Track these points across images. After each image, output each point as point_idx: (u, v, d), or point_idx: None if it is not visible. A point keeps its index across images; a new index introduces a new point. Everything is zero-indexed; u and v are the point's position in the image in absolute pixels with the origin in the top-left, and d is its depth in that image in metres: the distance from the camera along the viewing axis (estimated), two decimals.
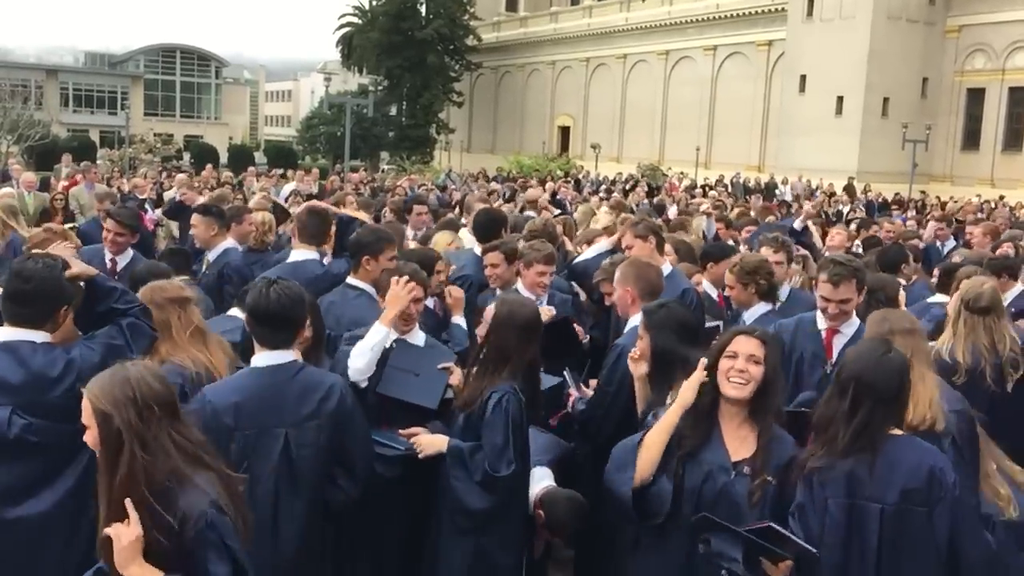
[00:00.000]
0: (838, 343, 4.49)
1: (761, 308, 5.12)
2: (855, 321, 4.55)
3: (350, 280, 4.93)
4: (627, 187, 27.92)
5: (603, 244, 6.37)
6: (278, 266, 5.65)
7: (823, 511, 3.12)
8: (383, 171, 39.41)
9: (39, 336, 3.30)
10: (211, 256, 6.52)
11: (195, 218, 6.80)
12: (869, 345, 3.36)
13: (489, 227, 6.45)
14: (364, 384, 4.03)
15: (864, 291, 4.55)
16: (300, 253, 5.71)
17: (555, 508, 3.85)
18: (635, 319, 4.40)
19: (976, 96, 44.43)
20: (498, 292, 5.60)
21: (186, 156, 44.29)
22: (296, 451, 3.42)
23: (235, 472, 3.16)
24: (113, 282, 3.55)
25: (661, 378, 3.87)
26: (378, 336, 4.02)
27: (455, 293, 5.25)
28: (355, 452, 3.64)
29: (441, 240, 6.81)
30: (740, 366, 3.23)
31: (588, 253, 5.89)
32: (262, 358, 3.49)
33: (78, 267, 3.43)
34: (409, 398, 4.08)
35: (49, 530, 3.23)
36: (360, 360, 3.99)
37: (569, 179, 33.54)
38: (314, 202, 7.23)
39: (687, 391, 3.30)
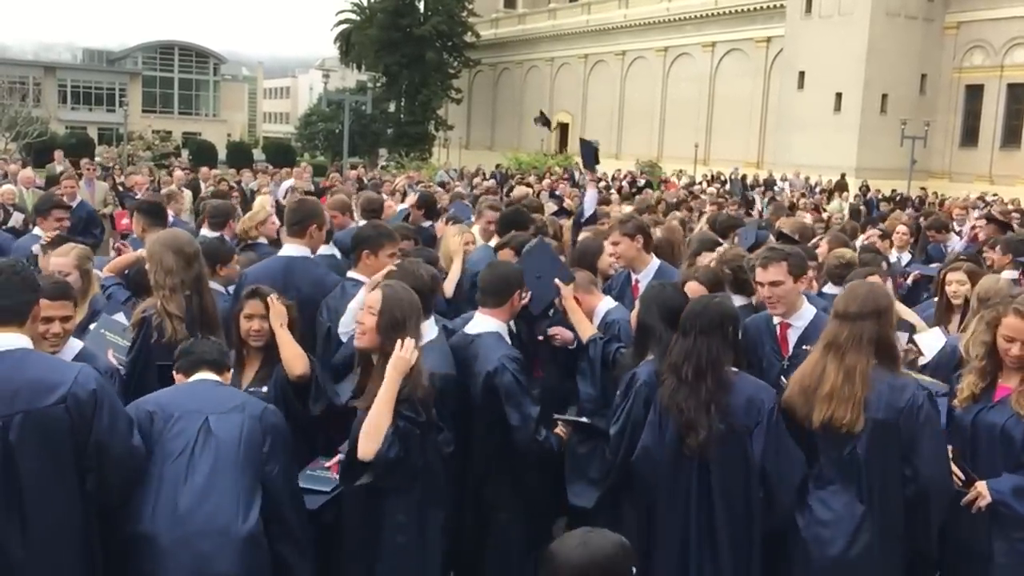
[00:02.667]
0: (791, 336, 4.44)
1: (737, 300, 5.07)
2: (806, 312, 4.48)
3: (350, 274, 4.96)
4: (621, 183, 27.91)
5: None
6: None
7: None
8: (381, 168, 39.38)
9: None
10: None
11: (135, 216, 6.82)
12: (704, 296, 4.23)
13: (512, 223, 6.53)
14: (346, 338, 4.34)
15: (801, 277, 4.48)
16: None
17: None
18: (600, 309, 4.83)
19: (975, 93, 44.44)
20: None
21: (184, 153, 44.25)
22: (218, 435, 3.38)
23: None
24: None
25: (638, 346, 4.22)
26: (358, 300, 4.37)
27: None
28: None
29: (452, 235, 6.80)
30: None
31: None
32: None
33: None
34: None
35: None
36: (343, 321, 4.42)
37: (566, 176, 33.54)
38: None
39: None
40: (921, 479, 3.62)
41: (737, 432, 3.71)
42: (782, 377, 4.17)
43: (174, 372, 3.65)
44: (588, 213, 10.00)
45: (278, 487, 3.44)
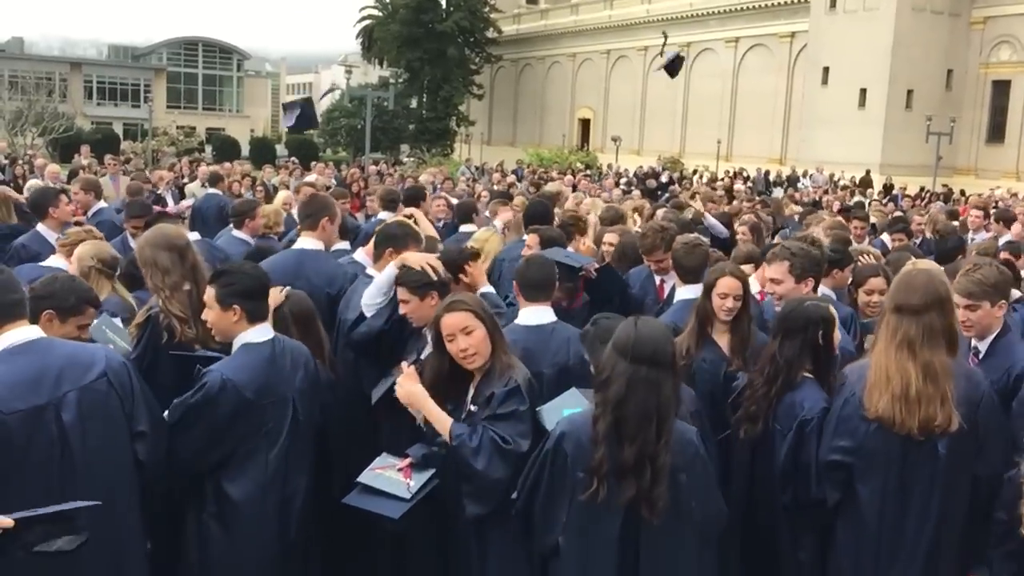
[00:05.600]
0: None
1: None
2: None
3: (369, 270, 4.93)
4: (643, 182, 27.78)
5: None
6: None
7: None
8: (396, 162, 39.38)
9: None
10: None
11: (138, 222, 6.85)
12: (794, 299, 4.20)
13: (540, 219, 6.59)
14: (370, 313, 4.39)
15: (805, 280, 4.41)
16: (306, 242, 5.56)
17: None
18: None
19: (1001, 88, 43.93)
20: None
21: (208, 148, 44.53)
22: (303, 418, 3.70)
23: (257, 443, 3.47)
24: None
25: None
26: (386, 274, 4.40)
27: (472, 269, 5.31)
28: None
29: (481, 236, 6.85)
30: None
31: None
32: (256, 332, 3.65)
33: None
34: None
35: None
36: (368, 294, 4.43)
37: (589, 172, 33.50)
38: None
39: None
40: (983, 479, 3.53)
41: (773, 432, 3.80)
42: None
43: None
44: None
45: None
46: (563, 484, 3.16)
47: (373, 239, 5.02)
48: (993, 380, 3.84)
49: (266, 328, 3.69)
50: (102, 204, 9.08)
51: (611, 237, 6.74)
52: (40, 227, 6.80)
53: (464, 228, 7.73)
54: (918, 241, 9.59)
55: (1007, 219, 10.30)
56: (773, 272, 4.41)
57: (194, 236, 6.87)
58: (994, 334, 4.07)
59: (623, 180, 27.99)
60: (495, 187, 17.87)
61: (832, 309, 3.96)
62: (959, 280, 4.02)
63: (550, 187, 13.80)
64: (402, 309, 4.25)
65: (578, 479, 3.09)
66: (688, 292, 5.03)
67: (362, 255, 5.46)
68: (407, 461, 3.73)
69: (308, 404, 3.75)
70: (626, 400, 3.01)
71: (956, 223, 11.48)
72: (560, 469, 3.17)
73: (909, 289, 3.54)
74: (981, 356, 4.06)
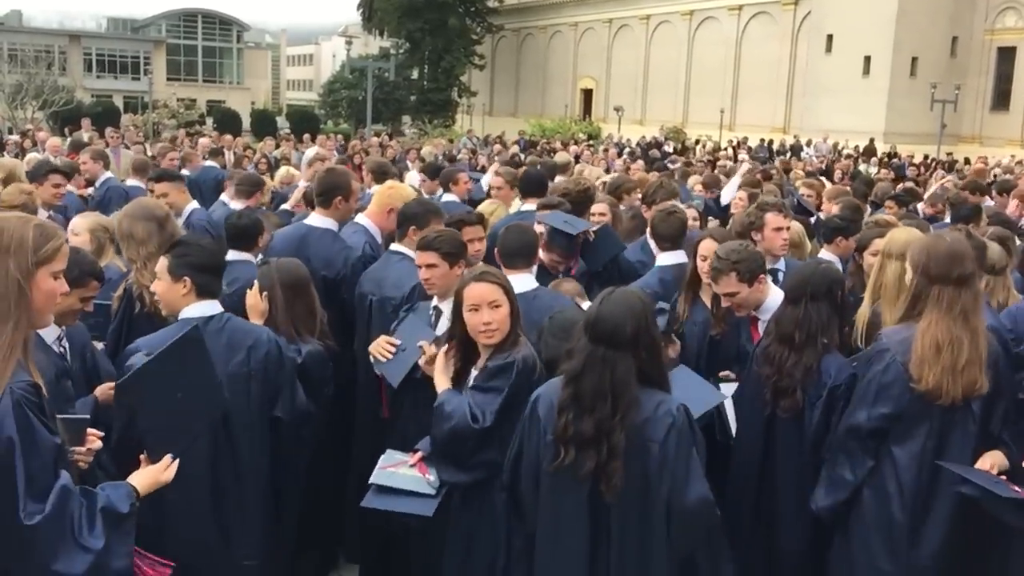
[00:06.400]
0: (760, 328, 4.40)
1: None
2: (771, 304, 4.35)
3: (394, 247, 4.90)
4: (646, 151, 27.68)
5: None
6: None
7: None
8: (404, 135, 39.29)
9: None
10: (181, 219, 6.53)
11: (165, 185, 6.75)
12: (807, 264, 4.39)
13: (535, 184, 6.62)
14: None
15: (756, 279, 4.34)
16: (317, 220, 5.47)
17: None
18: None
19: (1007, 55, 43.57)
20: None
21: (209, 121, 44.34)
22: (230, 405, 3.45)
23: None
24: None
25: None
26: None
27: None
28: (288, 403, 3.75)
29: (486, 208, 6.84)
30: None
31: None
32: (199, 308, 3.58)
33: None
34: (381, 370, 4.09)
35: None
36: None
37: (592, 143, 33.36)
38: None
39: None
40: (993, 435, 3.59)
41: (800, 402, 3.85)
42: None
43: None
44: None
45: None
46: (539, 449, 3.16)
47: (397, 219, 4.98)
48: None
49: (212, 305, 3.61)
50: (109, 174, 9.13)
51: (601, 207, 6.73)
52: None
53: (447, 197, 7.54)
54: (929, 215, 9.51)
55: (1007, 190, 10.21)
56: (724, 288, 4.34)
57: (192, 205, 6.91)
58: None
59: (626, 151, 27.84)
60: (497, 158, 17.86)
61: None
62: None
63: (559, 158, 13.76)
64: (424, 274, 4.18)
65: (547, 443, 3.09)
66: (665, 259, 5.13)
67: (364, 219, 5.47)
68: (418, 456, 3.64)
69: (250, 389, 3.60)
70: (582, 375, 3.02)
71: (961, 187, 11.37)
72: (535, 433, 3.17)
73: (963, 258, 3.55)
74: None
